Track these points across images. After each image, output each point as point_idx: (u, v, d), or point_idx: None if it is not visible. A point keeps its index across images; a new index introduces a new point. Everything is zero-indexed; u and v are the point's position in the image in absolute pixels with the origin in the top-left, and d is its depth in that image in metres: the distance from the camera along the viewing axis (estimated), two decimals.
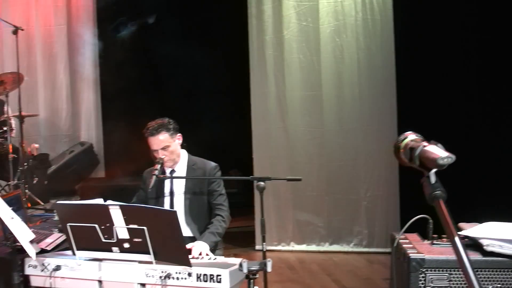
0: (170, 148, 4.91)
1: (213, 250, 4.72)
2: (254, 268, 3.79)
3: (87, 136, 10.45)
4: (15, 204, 4.50)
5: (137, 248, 3.93)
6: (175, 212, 3.92)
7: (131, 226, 3.89)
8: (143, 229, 3.84)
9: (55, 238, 4.95)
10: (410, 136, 2.01)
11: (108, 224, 3.95)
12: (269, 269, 3.77)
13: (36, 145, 9.13)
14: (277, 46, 8.67)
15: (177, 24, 10.52)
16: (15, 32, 8.05)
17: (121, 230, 3.94)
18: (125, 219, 3.90)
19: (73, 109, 10.41)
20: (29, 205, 7.96)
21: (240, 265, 3.76)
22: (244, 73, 8.81)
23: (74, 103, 10.41)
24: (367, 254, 8.40)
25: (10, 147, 8.04)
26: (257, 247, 8.35)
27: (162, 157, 4.88)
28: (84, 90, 10.46)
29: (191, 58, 10.08)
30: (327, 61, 8.53)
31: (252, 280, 3.84)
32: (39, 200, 8.27)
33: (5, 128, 8.05)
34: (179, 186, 5.04)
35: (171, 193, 5.04)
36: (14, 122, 8.34)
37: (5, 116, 8.16)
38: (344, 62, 8.51)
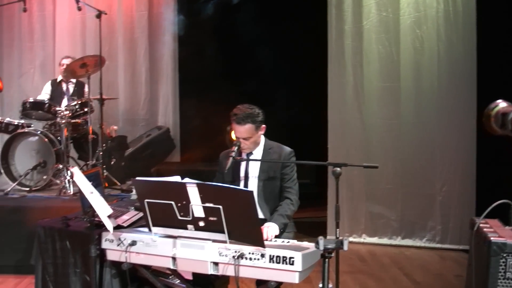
0: (252, 139, 4.95)
1: (281, 232, 4.76)
2: (331, 246, 3.78)
3: (164, 121, 10.60)
4: (95, 180, 4.62)
5: (212, 226, 3.97)
6: (251, 192, 3.90)
7: (207, 204, 3.93)
8: (218, 208, 3.87)
9: (131, 215, 5.09)
10: (501, 104, 1.97)
11: (184, 202, 4.00)
12: (345, 247, 3.74)
13: (115, 127, 9.31)
14: (356, 36, 8.59)
15: (257, 9, 10.49)
16: (98, 16, 8.18)
17: (197, 208, 3.98)
18: (201, 198, 3.94)
19: (152, 93, 10.60)
20: (106, 185, 8.14)
21: (317, 242, 3.76)
22: (322, 62, 8.76)
23: (152, 88, 10.59)
24: (440, 250, 8.26)
25: (90, 128, 8.23)
26: (329, 237, 8.32)
27: (238, 143, 4.93)
28: (163, 75, 10.61)
29: (270, 43, 10.06)
30: (406, 53, 8.41)
31: (327, 259, 3.82)
32: (116, 181, 8.45)
33: (86, 110, 8.24)
34: (254, 169, 5.06)
35: (246, 175, 5.06)
36: (94, 104, 8.52)
37: (86, 97, 8.36)
38: (423, 54, 8.36)
